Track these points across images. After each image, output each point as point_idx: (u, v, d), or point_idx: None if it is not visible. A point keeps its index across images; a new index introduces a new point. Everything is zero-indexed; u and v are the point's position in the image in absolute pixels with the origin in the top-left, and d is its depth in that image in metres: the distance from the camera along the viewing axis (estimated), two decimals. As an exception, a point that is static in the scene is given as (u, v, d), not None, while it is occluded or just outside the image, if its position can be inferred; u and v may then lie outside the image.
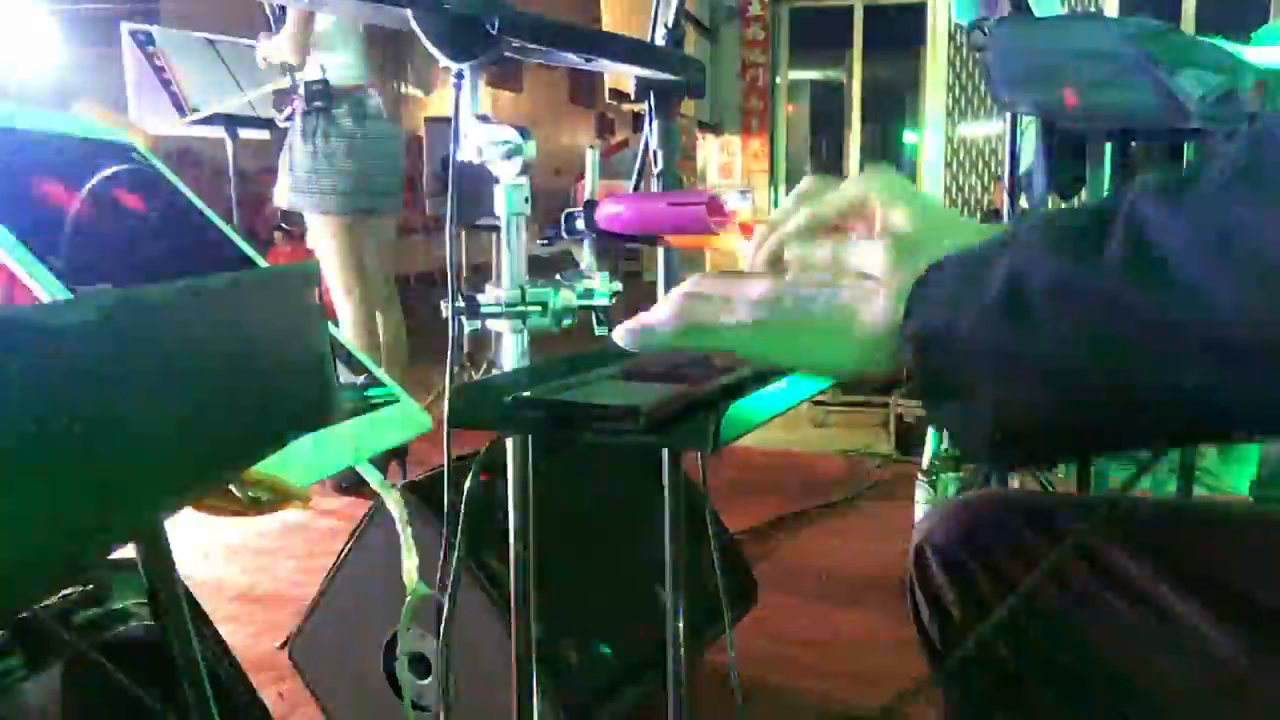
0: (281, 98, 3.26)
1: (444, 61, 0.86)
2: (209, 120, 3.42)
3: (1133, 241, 0.42)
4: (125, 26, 3.40)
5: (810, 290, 0.56)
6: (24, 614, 0.82)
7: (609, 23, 5.05)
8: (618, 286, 0.99)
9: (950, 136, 6.40)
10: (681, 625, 1.21)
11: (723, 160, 6.71)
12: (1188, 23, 5.76)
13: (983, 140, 6.35)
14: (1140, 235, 0.42)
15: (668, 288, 1.17)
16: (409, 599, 1.10)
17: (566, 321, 0.97)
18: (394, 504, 1.17)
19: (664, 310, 0.59)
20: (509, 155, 0.90)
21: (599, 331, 0.98)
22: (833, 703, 1.91)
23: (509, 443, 0.97)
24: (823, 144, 8.77)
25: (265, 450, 0.58)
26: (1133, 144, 2.33)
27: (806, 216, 0.60)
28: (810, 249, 0.60)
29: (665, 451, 1.18)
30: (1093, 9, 5.76)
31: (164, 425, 0.44)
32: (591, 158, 1.00)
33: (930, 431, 2.46)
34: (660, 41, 1.14)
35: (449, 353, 0.91)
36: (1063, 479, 2.86)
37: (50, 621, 0.87)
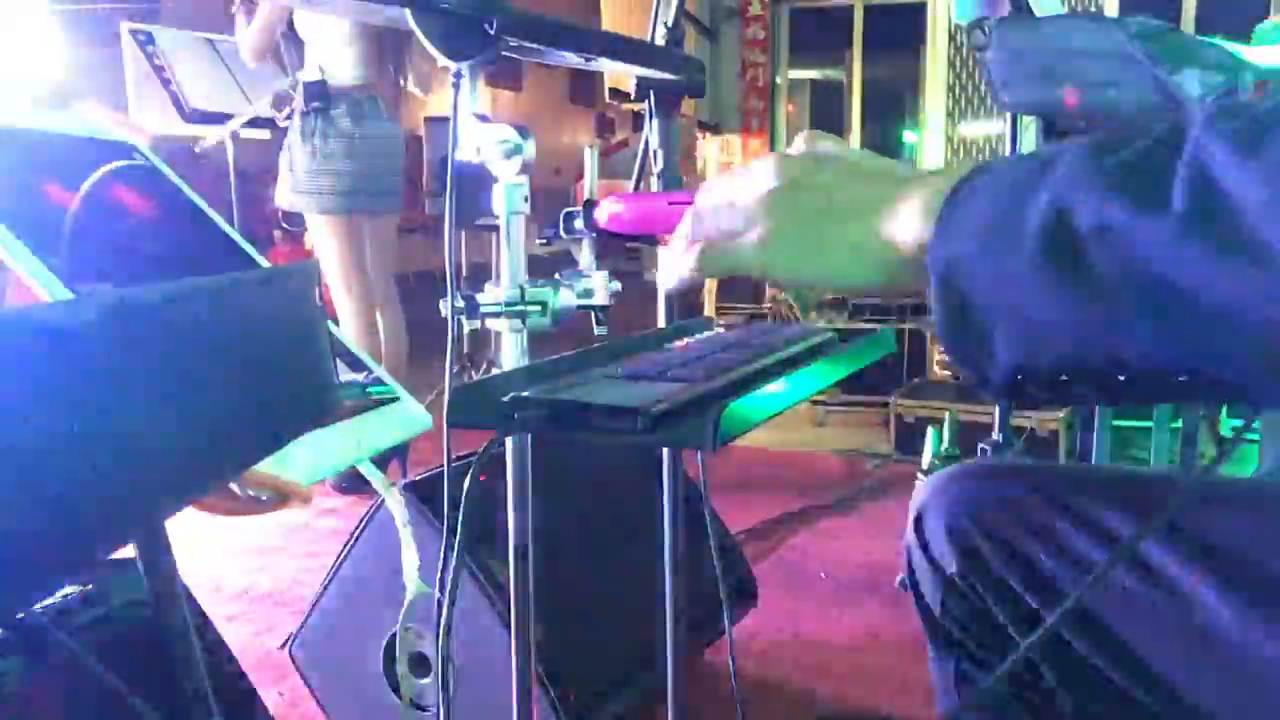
0: (281, 98, 3.26)
1: (443, 61, 0.86)
2: (210, 120, 3.43)
3: (1200, 192, 0.38)
4: (125, 26, 3.40)
5: (827, 184, 0.54)
6: (24, 614, 0.82)
7: (608, 22, 5.05)
8: (617, 286, 0.99)
9: (950, 136, 6.40)
10: (681, 625, 1.21)
11: (723, 160, 6.71)
12: (1188, 23, 5.76)
13: (983, 140, 6.35)
14: (1210, 185, 0.38)
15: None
16: (409, 599, 1.10)
17: (565, 321, 0.97)
18: (394, 503, 1.17)
19: (683, 237, 0.59)
20: (508, 154, 0.90)
21: (599, 331, 0.98)
22: (833, 703, 1.91)
23: (509, 442, 0.97)
24: (823, 144, 8.76)
25: (266, 450, 0.58)
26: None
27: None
28: (816, 137, 0.59)
29: (665, 451, 1.18)
30: (1093, 9, 5.76)
31: (164, 425, 0.44)
32: (591, 157, 1.00)
33: (930, 431, 2.46)
34: (660, 41, 1.14)
35: (448, 352, 0.91)
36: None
37: (50, 621, 0.87)
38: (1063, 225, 0.41)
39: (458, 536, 0.79)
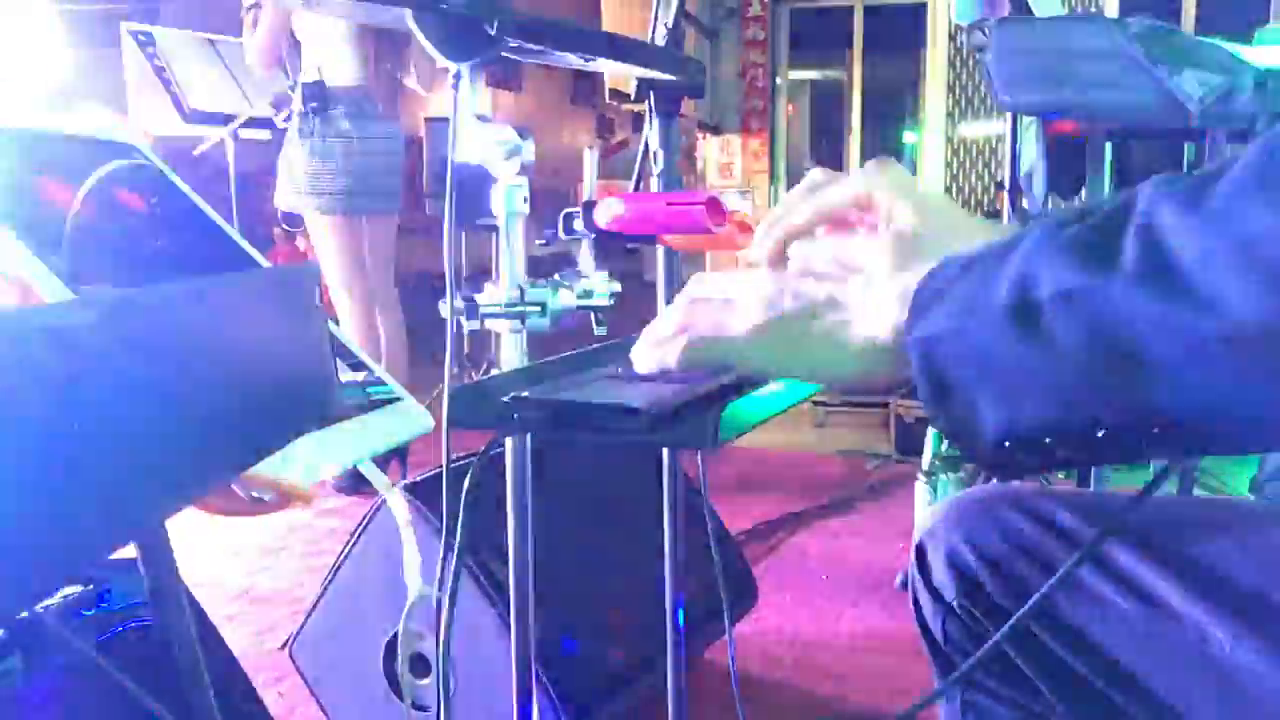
0: (279, 99, 3.26)
1: (442, 62, 0.86)
2: (210, 120, 3.42)
3: (1148, 250, 0.41)
4: (126, 27, 3.40)
5: (812, 292, 0.56)
6: (24, 614, 0.82)
7: (608, 22, 5.05)
8: (617, 287, 0.99)
9: (950, 137, 6.40)
10: (681, 625, 1.21)
11: (723, 160, 6.71)
12: (1188, 23, 5.76)
13: (983, 140, 6.35)
14: (1156, 243, 0.41)
15: (667, 288, 1.17)
16: (409, 599, 1.10)
17: (565, 322, 0.97)
18: (395, 504, 1.17)
19: (671, 323, 0.60)
20: (508, 155, 0.90)
21: (598, 331, 0.98)
22: (833, 703, 1.91)
23: (508, 443, 0.97)
24: (823, 144, 8.77)
25: (266, 450, 0.58)
26: (1132, 144, 2.33)
27: (811, 211, 0.60)
28: (813, 247, 0.60)
29: (665, 451, 1.18)
30: (1093, 9, 5.76)
31: (164, 425, 0.44)
32: (591, 158, 1.00)
33: (930, 432, 2.47)
34: (660, 42, 1.14)
35: (448, 353, 0.91)
36: (1063, 478, 2.86)
37: (50, 621, 0.87)
38: (1028, 295, 0.43)
39: (458, 537, 0.79)
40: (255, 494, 0.75)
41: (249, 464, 0.59)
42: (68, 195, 0.72)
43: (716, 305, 0.58)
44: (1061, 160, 2.21)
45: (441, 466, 0.91)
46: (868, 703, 1.90)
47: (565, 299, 0.95)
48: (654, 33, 1.14)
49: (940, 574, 0.85)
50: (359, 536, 1.65)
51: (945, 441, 2.44)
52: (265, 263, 0.91)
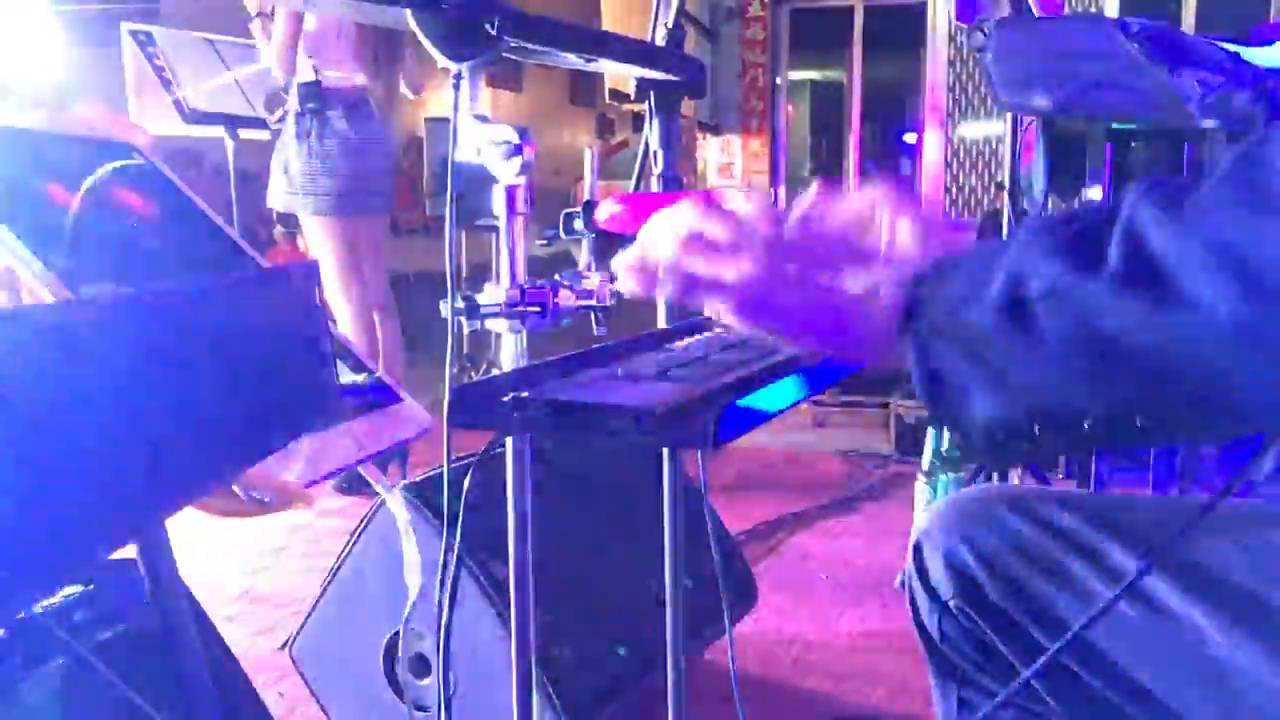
0: (273, 100, 3.26)
1: (443, 62, 0.86)
2: (210, 120, 3.42)
3: (1131, 252, 0.43)
4: (125, 27, 3.40)
5: (814, 265, 0.56)
6: (24, 614, 0.82)
7: (608, 23, 5.05)
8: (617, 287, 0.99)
9: (950, 137, 6.40)
10: (681, 625, 1.21)
11: (723, 160, 6.71)
12: (1188, 23, 5.76)
13: (983, 140, 6.35)
14: (1139, 246, 0.43)
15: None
16: (409, 600, 1.10)
17: (565, 322, 0.97)
18: (395, 504, 1.17)
19: (663, 247, 0.59)
20: (508, 155, 0.90)
21: (598, 332, 0.98)
22: (833, 703, 1.91)
23: (509, 443, 0.97)
24: (823, 144, 8.77)
25: (266, 450, 0.58)
26: (1132, 144, 2.33)
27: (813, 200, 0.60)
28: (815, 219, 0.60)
29: (665, 451, 1.18)
30: (1093, 9, 5.77)
31: (164, 425, 0.44)
32: (591, 158, 1.00)
33: (930, 432, 2.46)
34: (660, 41, 1.14)
35: (448, 353, 0.91)
36: (1061, 478, 2.86)
37: (50, 621, 0.87)
38: (1017, 292, 0.46)
39: (457, 537, 0.79)
40: (255, 495, 0.75)
41: (249, 464, 0.59)
42: (68, 195, 0.72)
43: (712, 248, 0.58)
44: (1061, 160, 2.21)
45: (441, 466, 0.91)
46: (868, 703, 1.90)
47: (565, 299, 0.95)
48: (654, 33, 1.14)
49: (937, 573, 0.85)
50: (359, 537, 1.65)
51: (945, 441, 2.44)
52: (265, 263, 0.91)
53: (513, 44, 0.87)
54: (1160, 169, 2.39)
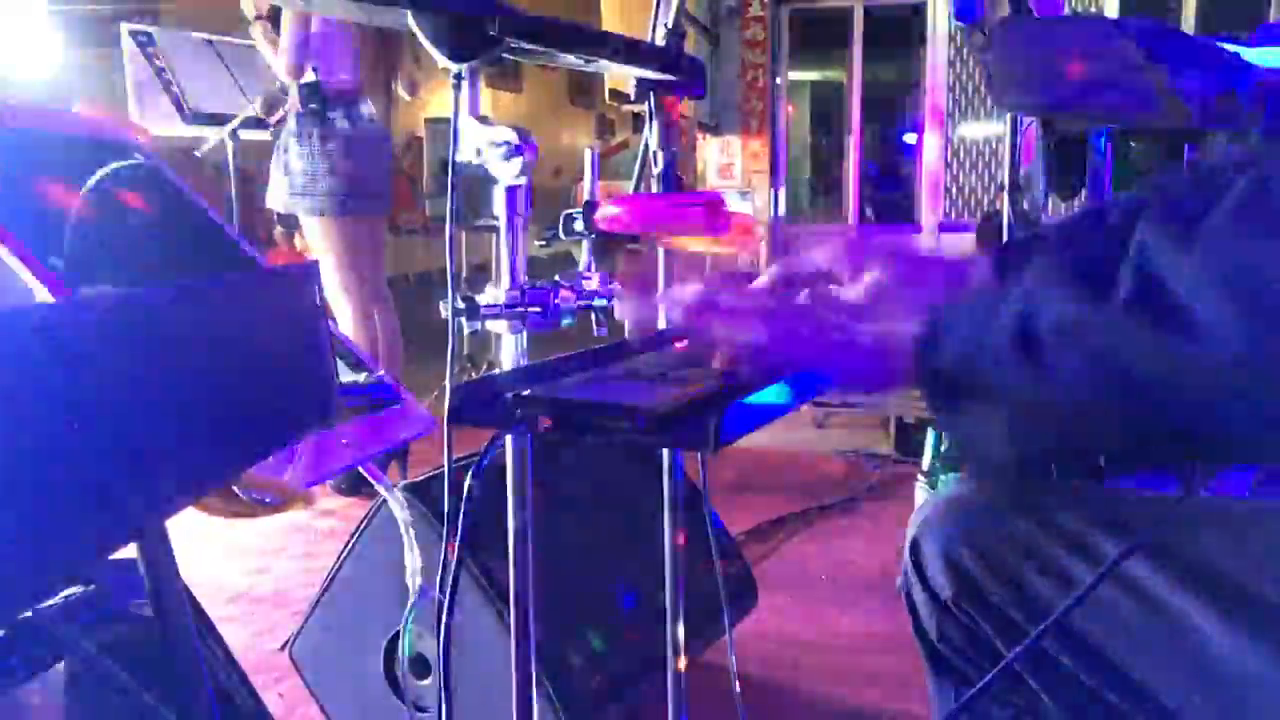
0: (272, 101, 3.26)
1: (443, 62, 0.86)
2: (210, 120, 3.43)
3: (1141, 280, 0.43)
4: (125, 27, 3.40)
5: (823, 309, 0.58)
6: (24, 614, 0.82)
7: (608, 23, 5.05)
8: (617, 288, 0.99)
9: (950, 137, 6.40)
10: (681, 625, 1.21)
11: (723, 161, 6.71)
12: (1188, 23, 5.75)
13: (983, 141, 6.35)
14: (1148, 274, 0.43)
15: (667, 289, 1.17)
16: (409, 600, 1.10)
17: (566, 322, 0.97)
18: (395, 504, 1.17)
19: (680, 309, 0.61)
20: (508, 156, 0.90)
21: (599, 333, 0.98)
22: (833, 703, 1.91)
23: (509, 442, 0.97)
24: (823, 145, 8.76)
25: (266, 450, 0.58)
26: (1132, 144, 2.33)
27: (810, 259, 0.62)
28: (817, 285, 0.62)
29: (665, 452, 1.18)
30: (1093, 10, 5.77)
31: (164, 425, 0.44)
32: (591, 158, 1.00)
33: (930, 432, 2.46)
34: (660, 42, 1.14)
35: (449, 353, 0.91)
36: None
37: (50, 621, 0.87)
38: (1029, 326, 0.46)
39: (458, 537, 0.79)
40: (255, 495, 0.75)
41: (249, 465, 0.59)
42: (69, 196, 0.72)
43: (728, 312, 0.60)
44: (1061, 160, 2.21)
45: (441, 467, 0.91)
46: (868, 703, 1.90)
47: (566, 300, 0.95)
48: (654, 33, 1.14)
49: (936, 571, 0.85)
50: (359, 537, 1.65)
51: (945, 442, 2.45)
52: (265, 263, 0.91)
53: (513, 44, 0.87)
54: (1160, 169, 2.39)
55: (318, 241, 3.20)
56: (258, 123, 3.46)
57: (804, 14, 6.88)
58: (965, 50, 6.06)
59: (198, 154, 3.48)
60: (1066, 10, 4.93)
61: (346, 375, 0.88)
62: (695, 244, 0.94)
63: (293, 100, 3.10)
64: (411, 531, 1.01)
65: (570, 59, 0.99)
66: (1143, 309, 0.42)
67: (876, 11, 6.69)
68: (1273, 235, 0.40)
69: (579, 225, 0.93)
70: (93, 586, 0.94)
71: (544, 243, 1.00)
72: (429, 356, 3.79)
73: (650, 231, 0.93)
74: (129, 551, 0.67)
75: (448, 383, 0.89)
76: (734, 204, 0.91)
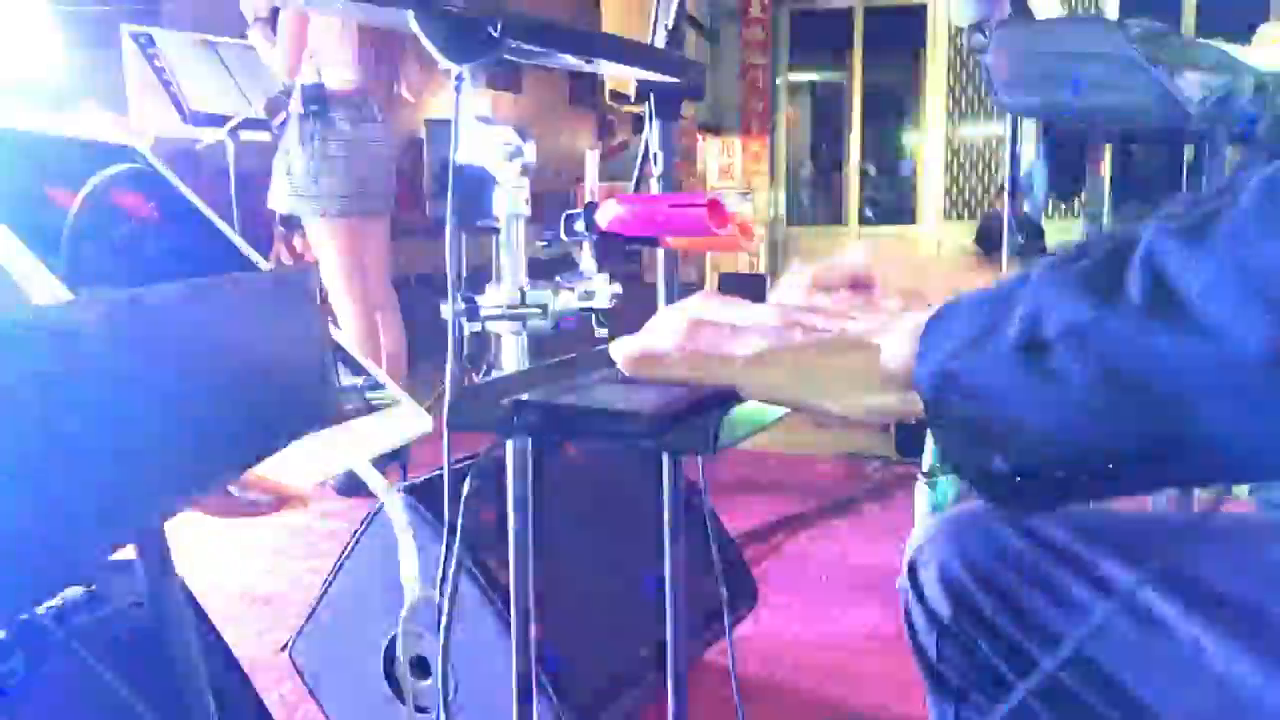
0: (274, 103, 3.26)
1: (444, 63, 0.86)
2: (210, 121, 3.43)
3: (1153, 283, 0.41)
4: (126, 28, 3.40)
5: (823, 326, 0.56)
6: (24, 614, 0.82)
7: (608, 24, 5.04)
8: (618, 288, 0.99)
9: (950, 138, 6.40)
10: (682, 626, 1.21)
11: (723, 162, 6.71)
12: (1188, 23, 5.76)
13: (983, 142, 6.35)
14: (1161, 276, 0.41)
15: (668, 290, 1.17)
16: (409, 601, 1.10)
17: (566, 323, 0.97)
18: (394, 506, 1.17)
19: (667, 336, 0.60)
20: (509, 157, 0.90)
21: (600, 334, 0.98)
22: (833, 703, 1.91)
23: (509, 445, 0.97)
24: (823, 146, 8.76)
25: (265, 452, 0.58)
26: (1132, 145, 2.33)
27: (809, 274, 0.61)
28: (822, 298, 0.61)
29: (665, 454, 1.18)
30: (1093, 9, 5.77)
31: (164, 426, 0.44)
32: (591, 159, 1.00)
33: (930, 433, 2.46)
34: (660, 43, 1.14)
35: (449, 355, 0.91)
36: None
37: (50, 621, 0.87)
38: (1036, 332, 0.44)
39: (457, 538, 0.79)
40: (253, 496, 0.75)
41: (248, 465, 0.59)
42: (68, 197, 0.72)
43: (721, 330, 0.58)
44: (1061, 161, 2.21)
45: (441, 469, 0.91)
46: (868, 704, 1.90)
47: (566, 301, 0.95)
48: (654, 34, 1.14)
49: (934, 591, 0.84)
50: (359, 538, 1.65)
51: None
52: (265, 263, 0.91)
53: (514, 45, 0.87)
54: (1160, 169, 2.39)
55: (320, 243, 3.20)
56: (258, 123, 3.47)
57: (804, 14, 6.89)
58: (965, 52, 6.06)
59: (198, 147, 3.48)
60: (1066, 12, 4.93)
61: (346, 377, 0.88)
62: (696, 245, 0.94)
63: (295, 102, 3.10)
64: (410, 534, 1.01)
65: (570, 61, 1.00)
66: (1154, 311, 0.41)
67: (877, 12, 6.70)
68: None
69: (580, 226, 0.93)
70: (93, 586, 0.94)
71: (544, 244, 1.00)
72: (429, 358, 3.79)
73: (651, 232, 0.93)
74: (129, 552, 0.67)
75: (447, 384, 0.89)
76: (734, 205, 0.91)
